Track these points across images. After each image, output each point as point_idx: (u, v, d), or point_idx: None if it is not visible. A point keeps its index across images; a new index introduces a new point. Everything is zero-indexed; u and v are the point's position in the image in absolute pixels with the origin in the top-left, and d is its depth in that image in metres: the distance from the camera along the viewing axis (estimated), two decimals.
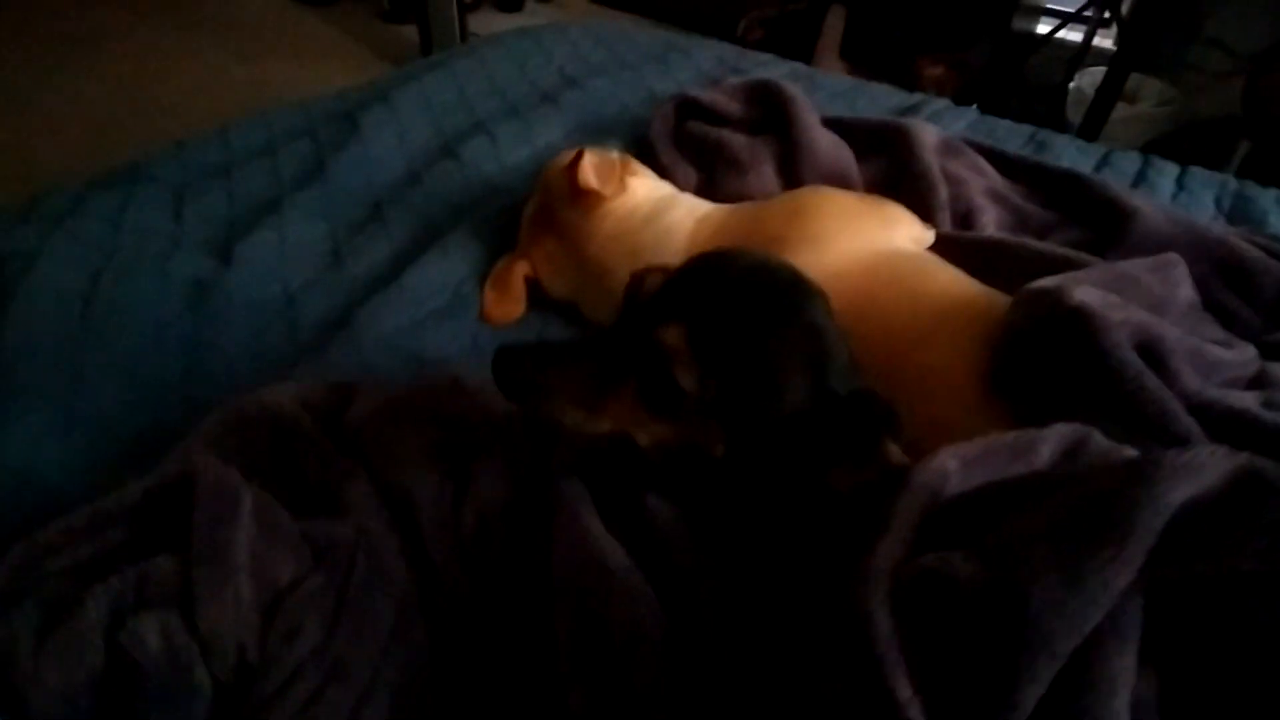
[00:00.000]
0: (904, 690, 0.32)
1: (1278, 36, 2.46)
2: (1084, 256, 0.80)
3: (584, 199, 0.82)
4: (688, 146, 1.08)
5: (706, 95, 1.10)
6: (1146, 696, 0.33)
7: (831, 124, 1.08)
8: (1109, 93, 2.67)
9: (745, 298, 0.49)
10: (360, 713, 0.44)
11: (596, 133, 1.18)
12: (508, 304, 0.86)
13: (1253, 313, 0.86)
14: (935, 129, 1.05)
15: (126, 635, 0.44)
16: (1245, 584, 0.33)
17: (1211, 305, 0.87)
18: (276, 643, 0.45)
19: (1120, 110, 2.79)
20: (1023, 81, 3.14)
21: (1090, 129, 2.67)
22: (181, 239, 0.88)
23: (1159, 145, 2.81)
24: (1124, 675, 0.32)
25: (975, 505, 0.42)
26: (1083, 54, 2.95)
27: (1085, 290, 0.57)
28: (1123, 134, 2.86)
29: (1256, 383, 0.68)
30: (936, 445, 0.60)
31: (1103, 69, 2.57)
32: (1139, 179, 1.21)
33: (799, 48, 3.19)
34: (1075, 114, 2.81)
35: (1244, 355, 0.67)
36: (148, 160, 1.07)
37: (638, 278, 0.55)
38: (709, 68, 1.44)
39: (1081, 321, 0.53)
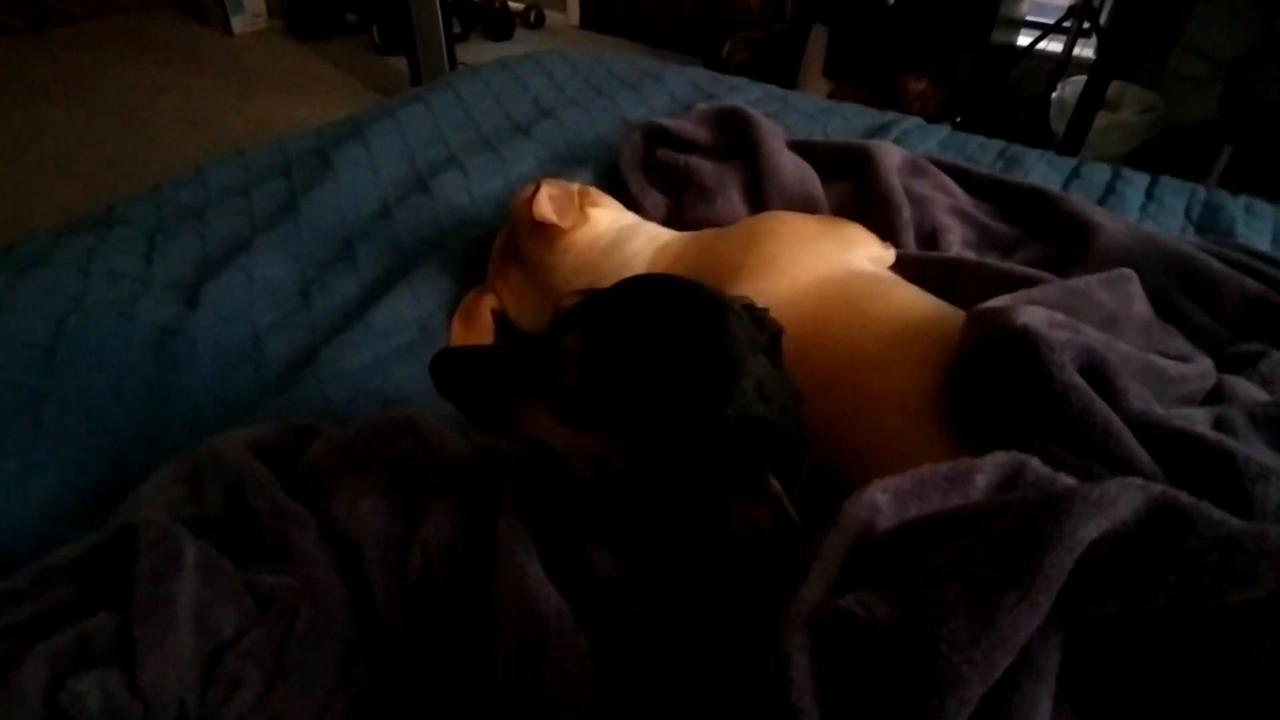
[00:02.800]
0: None
1: (1255, 41, 2.47)
2: (1042, 275, 0.80)
3: (545, 231, 0.83)
4: (657, 174, 1.09)
5: (674, 123, 1.12)
6: None
7: (798, 147, 1.09)
8: (1090, 102, 2.69)
9: (643, 316, 0.50)
10: None
11: (569, 162, 1.19)
12: (474, 337, 0.87)
13: (1216, 324, 0.86)
14: (899, 150, 1.05)
15: (66, 696, 0.44)
16: (1158, 621, 0.33)
17: (1175, 317, 0.87)
18: (218, 695, 0.45)
19: (1103, 119, 2.80)
20: (1006, 94, 3.17)
21: (1073, 138, 2.69)
22: (151, 282, 0.89)
23: (1142, 152, 2.82)
24: (1041, 715, 0.32)
25: (909, 539, 0.41)
26: (1064, 65, 2.98)
27: (1031, 311, 0.57)
28: (1106, 142, 2.88)
29: (1213, 397, 0.68)
30: (888, 469, 0.60)
31: (1084, 78, 2.59)
32: (1108, 191, 1.21)
33: (783, 67, 3.22)
34: (1059, 124, 2.83)
35: (1201, 368, 0.67)
36: (125, 203, 1.09)
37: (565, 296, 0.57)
38: (683, 93, 1.46)
39: (1027, 344, 0.53)
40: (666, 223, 1.04)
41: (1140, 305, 0.70)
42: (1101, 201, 1.19)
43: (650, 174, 1.09)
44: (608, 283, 0.80)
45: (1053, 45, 3.03)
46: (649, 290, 0.53)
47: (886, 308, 0.71)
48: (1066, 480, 0.44)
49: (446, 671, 0.48)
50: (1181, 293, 0.87)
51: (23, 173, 2.59)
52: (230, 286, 0.88)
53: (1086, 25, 2.86)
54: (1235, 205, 1.19)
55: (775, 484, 0.43)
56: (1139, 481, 0.36)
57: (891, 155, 1.02)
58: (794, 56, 3.18)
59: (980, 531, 0.35)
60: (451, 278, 0.93)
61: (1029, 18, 3.23)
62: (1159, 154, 2.81)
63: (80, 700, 0.44)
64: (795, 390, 0.53)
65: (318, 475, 0.58)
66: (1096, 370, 0.55)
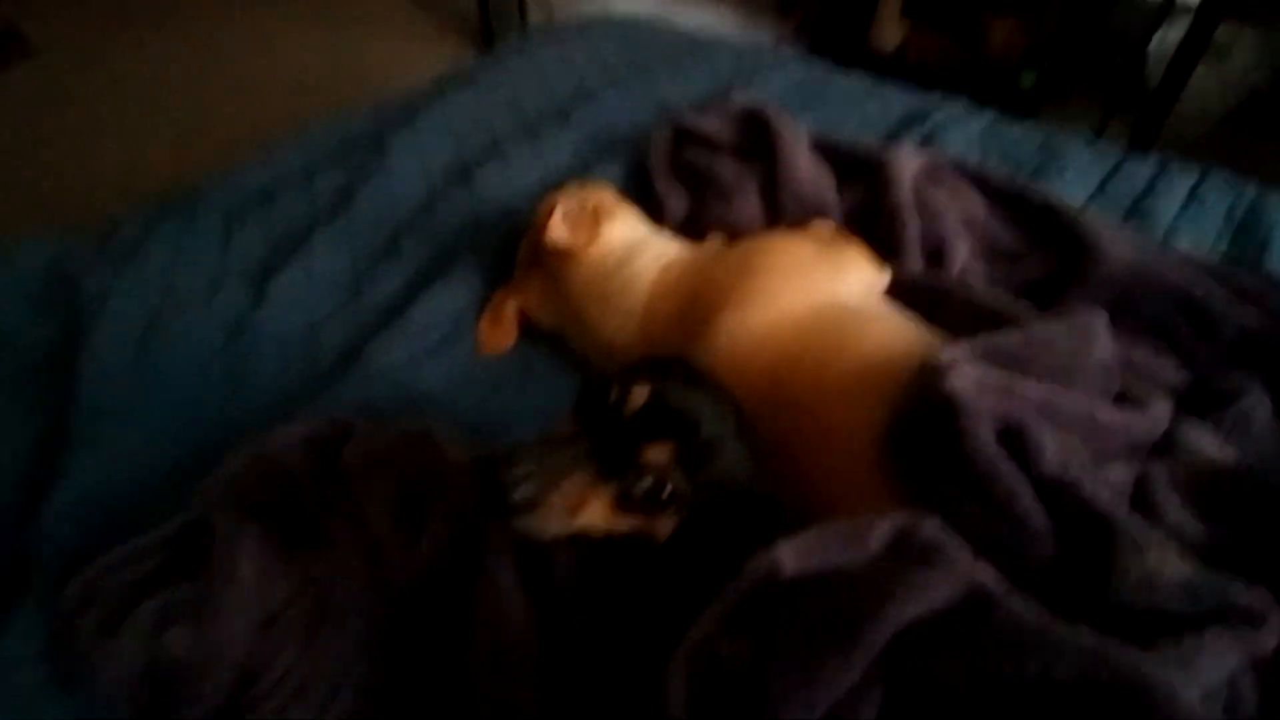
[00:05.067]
0: None
1: None
2: (1021, 312, 0.84)
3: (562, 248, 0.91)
4: (683, 172, 1.15)
5: (700, 124, 1.16)
6: None
7: (820, 147, 1.13)
8: (1192, 49, 2.50)
9: (711, 419, 0.60)
10: (332, 703, 0.58)
11: (604, 153, 1.25)
12: (500, 335, 0.97)
13: (1210, 352, 0.89)
14: (918, 156, 1.08)
15: (162, 643, 0.59)
16: (959, 690, 0.41)
17: (1173, 344, 0.90)
18: (266, 656, 0.59)
19: (1206, 73, 2.61)
20: (1103, 39, 2.96)
21: (1169, 90, 2.52)
22: (227, 271, 1.03)
23: (1252, 106, 2.62)
24: None
25: (803, 588, 0.50)
26: (1168, 7, 2.76)
27: (964, 374, 0.63)
28: (1208, 95, 2.68)
29: (1164, 444, 0.73)
30: (836, 503, 0.69)
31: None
32: (1148, 190, 1.20)
33: (860, 7, 3.09)
34: (1157, 73, 2.65)
35: (1152, 416, 0.71)
36: (206, 182, 1.23)
37: (615, 393, 0.60)
38: (726, 70, 1.48)
39: (949, 408, 0.60)
40: (688, 219, 1.11)
41: (1101, 351, 0.74)
42: (1139, 201, 1.18)
43: (677, 172, 1.15)
44: (614, 298, 0.89)
45: None
46: (691, 389, 0.62)
47: (859, 342, 0.77)
48: (948, 546, 0.52)
49: (444, 648, 0.61)
50: (1180, 319, 0.90)
51: (128, 115, 2.78)
52: (290, 281, 1.00)
53: None
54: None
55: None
56: (965, 568, 0.44)
57: (908, 164, 1.05)
58: (869, 4, 3.05)
59: (826, 601, 0.44)
60: (483, 275, 1.03)
61: None
62: (1272, 108, 2.60)
63: (171, 649, 0.59)
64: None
65: (353, 474, 0.70)
66: (1016, 433, 0.61)
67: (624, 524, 0.58)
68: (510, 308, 0.98)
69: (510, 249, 1.05)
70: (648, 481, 0.56)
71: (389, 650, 0.61)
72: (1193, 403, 0.82)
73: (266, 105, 2.92)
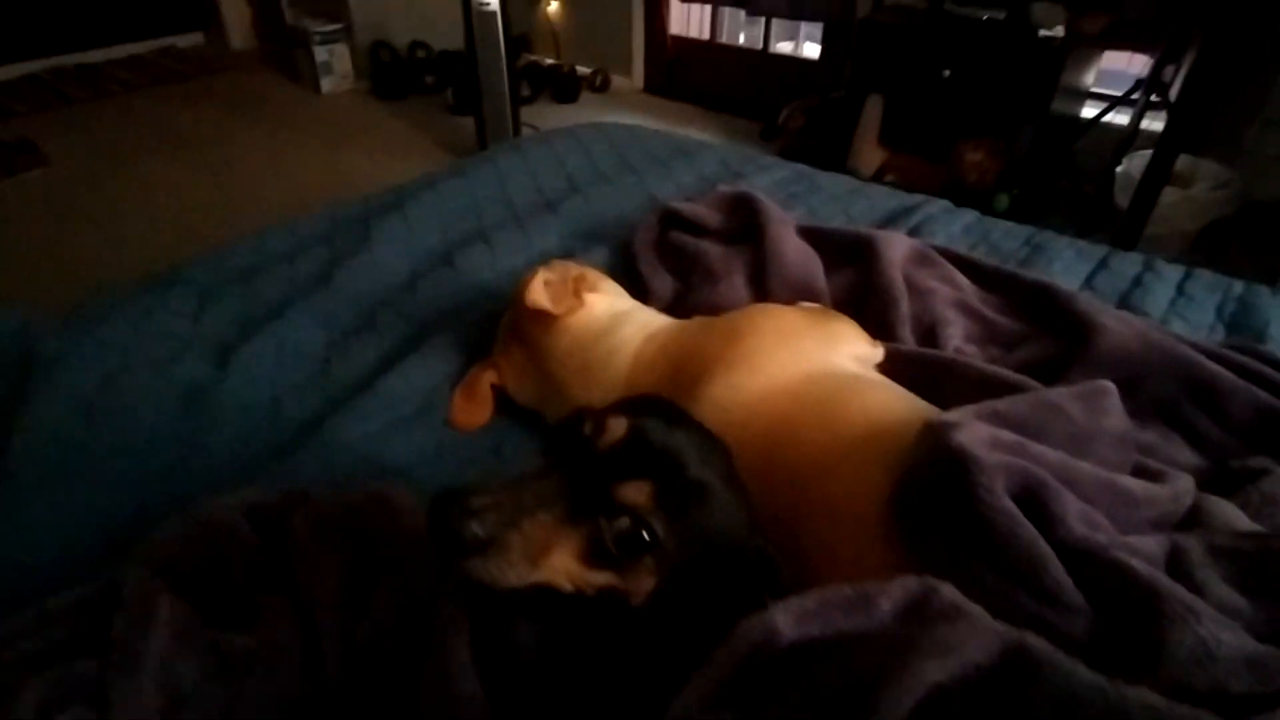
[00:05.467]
0: None
1: None
2: (1026, 381, 0.80)
3: (541, 315, 0.88)
4: (669, 255, 1.14)
5: (688, 207, 1.16)
6: None
7: (808, 234, 1.12)
8: (1156, 176, 2.63)
9: (697, 460, 0.53)
10: None
11: (590, 239, 1.25)
12: (474, 410, 0.92)
13: (1224, 434, 0.84)
14: (907, 240, 1.07)
15: None
16: None
17: (1181, 426, 0.86)
18: None
19: (1174, 194, 2.74)
20: (1071, 166, 3.12)
21: (1137, 214, 2.62)
22: (193, 343, 0.98)
23: (1214, 230, 2.72)
24: None
25: (806, 655, 0.43)
26: (1131, 137, 2.92)
27: (974, 429, 0.58)
28: (1175, 218, 2.79)
29: (1189, 520, 0.67)
30: (839, 574, 0.62)
31: (1151, 152, 2.53)
32: (1135, 284, 1.19)
33: (838, 135, 3.26)
34: (1124, 198, 2.76)
35: (1175, 489, 0.66)
36: (188, 263, 1.20)
37: (590, 426, 0.54)
38: (711, 171, 1.51)
39: (958, 465, 0.55)
40: (674, 303, 1.08)
41: (1116, 419, 0.69)
42: (1127, 295, 1.17)
43: (662, 255, 1.14)
44: (596, 368, 0.85)
45: (1121, 118, 2.98)
46: (673, 430, 0.54)
47: (857, 410, 0.72)
48: (971, 610, 0.45)
49: None
50: (1189, 400, 0.86)
51: (130, 221, 2.83)
52: (261, 351, 0.96)
53: (1156, 98, 2.81)
54: (1273, 304, 1.15)
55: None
56: (999, 627, 0.37)
57: (896, 247, 1.04)
58: (849, 124, 3.22)
59: (833, 668, 0.37)
60: (461, 351, 0.99)
61: (1096, 89, 3.20)
62: (1233, 232, 2.71)
63: None
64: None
65: (296, 543, 0.63)
66: (1034, 494, 0.55)
67: (595, 579, 0.49)
68: (486, 382, 0.93)
69: (490, 327, 1.01)
70: (623, 524, 0.48)
71: None
72: (1211, 487, 0.76)
73: (266, 218, 2.97)
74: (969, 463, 0.54)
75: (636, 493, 0.49)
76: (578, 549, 0.49)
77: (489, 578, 0.46)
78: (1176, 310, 1.14)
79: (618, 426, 0.52)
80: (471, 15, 3.04)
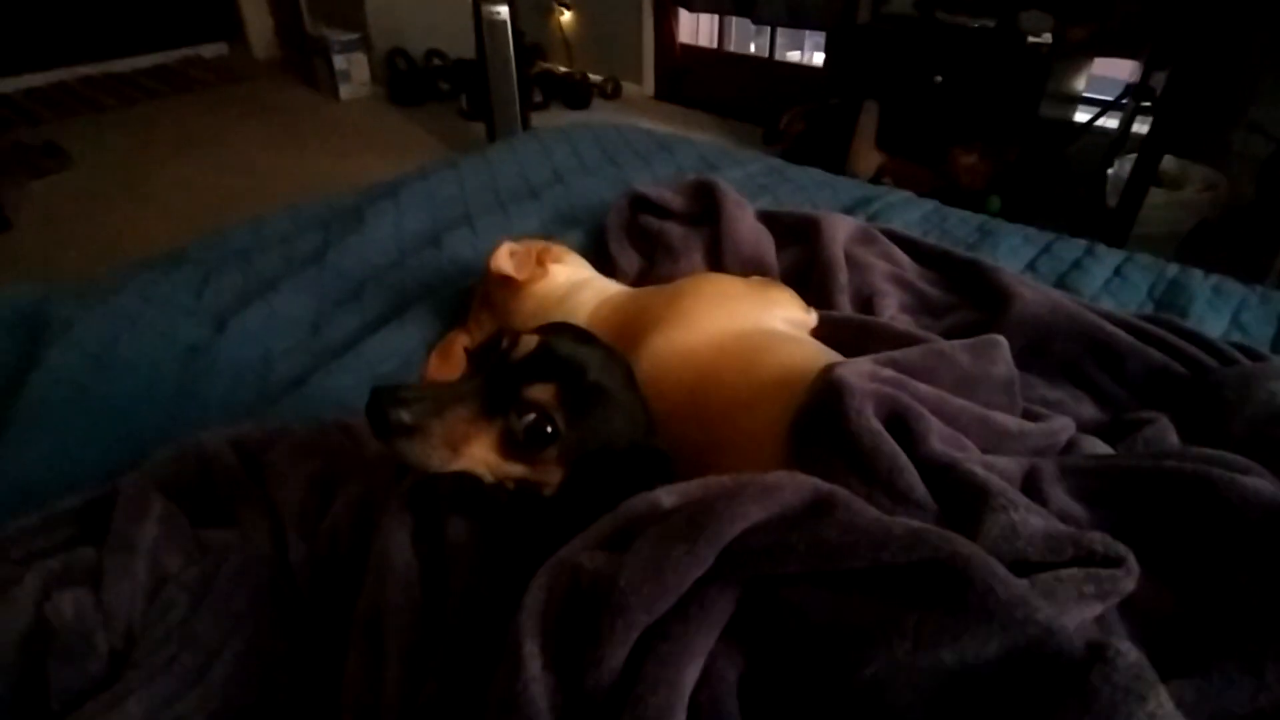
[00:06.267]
0: (533, 663, 0.43)
1: None
2: (931, 337, 0.88)
3: (508, 281, 0.97)
4: (637, 236, 1.23)
5: (655, 191, 1.26)
6: (725, 668, 0.42)
7: (763, 217, 1.21)
8: (1141, 177, 2.70)
9: (589, 364, 0.62)
10: (206, 673, 0.57)
11: (568, 223, 1.35)
12: (448, 369, 1.01)
13: (1121, 390, 0.92)
14: (851, 221, 1.16)
15: (49, 605, 0.59)
16: (798, 585, 0.42)
17: (1084, 383, 0.94)
18: (155, 614, 0.59)
19: (1162, 196, 2.80)
20: (1063, 169, 3.18)
21: (1124, 214, 2.68)
22: (194, 311, 1.08)
23: (1202, 230, 2.77)
24: (700, 643, 0.41)
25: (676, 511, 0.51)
26: (1121, 141, 2.98)
27: (854, 366, 0.66)
28: (1164, 219, 2.85)
29: (1065, 452, 0.74)
30: None
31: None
32: (1074, 266, 1.27)
33: (836, 139, 3.35)
34: (1115, 199, 2.82)
35: (1049, 427, 0.74)
36: (196, 245, 1.31)
37: (507, 340, 0.63)
38: (689, 164, 1.60)
39: (835, 391, 0.63)
40: (638, 278, 1.17)
41: (1003, 368, 0.77)
42: (1065, 276, 1.24)
43: (631, 236, 1.23)
44: None
45: (1114, 122, 3.04)
46: (579, 344, 0.64)
47: (774, 360, 0.81)
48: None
49: (336, 613, 0.61)
50: (1091, 360, 0.94)
51: (150, 219, 2.98)
52: (255, 317, 1.06)
53: (1146, 103, 2.86)
54: (1203, 285, 1.22)
55: None
56: (814, 481, 0.45)
57: (840, 226, 1.13)
58: (846, 129, 3.31)
59: (685, 513, 0.46)
60: (440, 319, 1.09)
61: (1089, 94, 3.26)
62: (1220, 232, 2.76)
63: (58, 609, 0.59)
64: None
65: (272, 463, 0.72)
66: (901, 417, 0.63)
67: (510, 470, 0.58)
68: (460, 345, 1.02)
69: (467, 299, 1.11)
70: (530, 418, 0.57)
71: (278, 624, 0.61)
72: (1107, 436, 0.84)
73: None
74: (844, 390, 0.63)
75: (542, 392, 0.58)
76: (493, 441, 0.57)
77: (414, 458, 0.55)
78: (1110, 290, 1.21)
79: (530, 341, 0.61)
80: (482, 24, 3.17)
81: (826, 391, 0.64)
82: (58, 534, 0.66)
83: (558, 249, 1.03)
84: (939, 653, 0.37)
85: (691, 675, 0.41)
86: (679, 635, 0.42)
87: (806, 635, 0.41)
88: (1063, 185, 3.19)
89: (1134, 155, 2.73)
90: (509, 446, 0.58)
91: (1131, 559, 0.49)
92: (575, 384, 0.59)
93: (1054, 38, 2.83)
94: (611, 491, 0.57)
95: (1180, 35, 2.67)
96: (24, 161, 3.32)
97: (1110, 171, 3.00)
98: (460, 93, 4.14)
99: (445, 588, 0.56)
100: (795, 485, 0.45)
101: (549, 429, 0.57)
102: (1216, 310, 1.16)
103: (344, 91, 4.25)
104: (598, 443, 0.60)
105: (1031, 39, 2.82)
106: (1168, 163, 2.80)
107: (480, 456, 0.57)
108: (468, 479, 0.58)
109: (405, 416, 0.53)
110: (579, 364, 0.61)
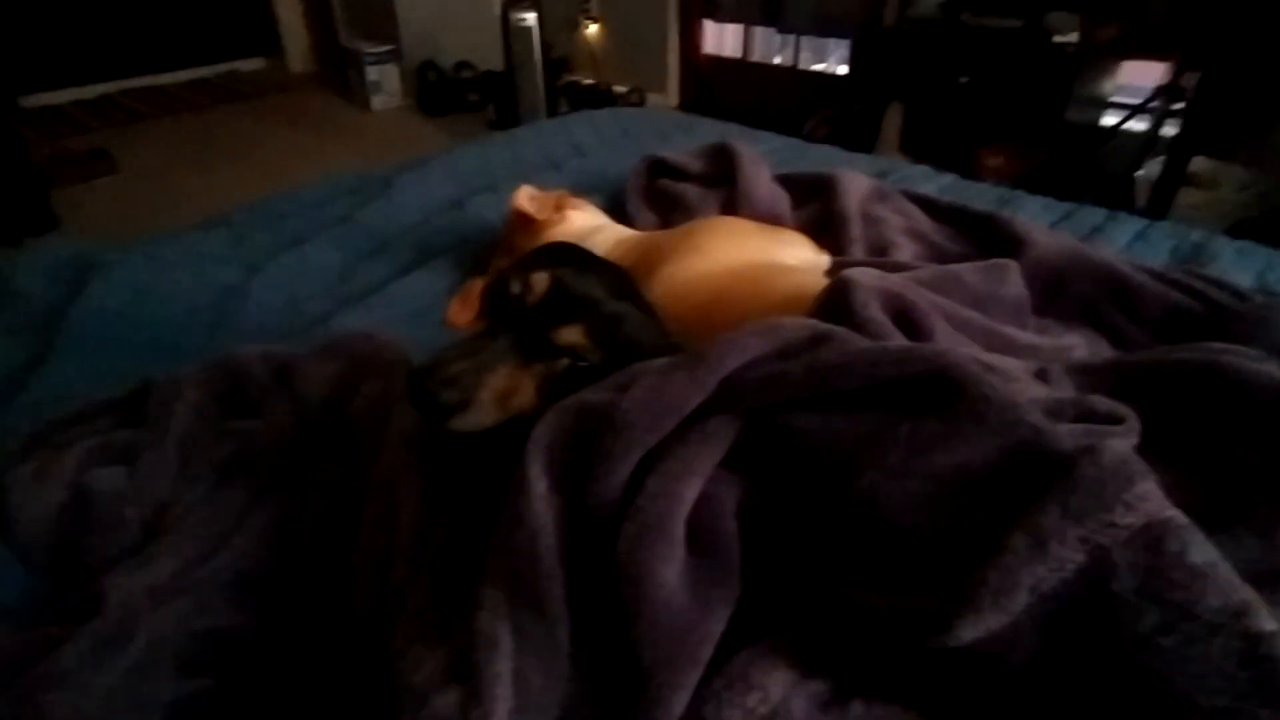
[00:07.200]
0: (539, 484, 0.44)
1: None
2: (939, 268, 0.89)
3: (528, 225, 1.00)
4: (655, 198, 1.26)
5: (673, 156, 1.28)
6: (725, 494, 0.43)
7: (780, 179, 1.23)
8: (1170, 179, 2.68)
9: (611, 295, 0.63)
10: (232, 537, 0.59)
11: (588, 190, 1.37)
12: (466, 311, 1.03)
13: (1140, 331, 0.91)
14: (868, 179, 1.17)
15: (85, 478, 0.62)
16: (795, 412, 0.43)
17: (1102, 326, 0.93)
18: (182, 488, 0.62)
19: (1197, 196, 2.76)
20: (1095, 171, 3.16)
21: (1153, 216, 2.65)
22: (229, 260, 1.13)
23: (1238, 230, 2.73)
24: (700, 464, 0.43)
25: None
26: (1151, 143, 2.95)
27: (862, 270, 0.67)
28: (1198, 219, 2.81)
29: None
30: None
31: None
32: (1096, 229, 1.27)
33: (861, 142, 3.37)
34: (1144, 201, 2.79)
35: (1057, 343, 0.74)
36: (233, 211, 1.36)
37: (516, 285, 0.63)
38: (709, 140, 1.63)
39: (843, 288, 0.64)
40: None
41: (1013, 288, 0.78)
42: (1086, 238, 1.24)
43: (649, 198, 1.26)
44: None
45: (1143, 126, 3.02)
46: (587, 268, 0.66)
47: (784, 285, 0.82)
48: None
49: (354, 489, 0.62)
50: (1108, 301, 0.93)
51: (189, 219, 3.07)
52: (285, 264, 1.10)
53: (1176, 105, 2.84)
54: (1227, 247, 1.21)
55: None
56: (812, 322, 0.47)
57: (856, 182, 1.14)
58: (872, 131, 3.33)
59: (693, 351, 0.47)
60: (462, 269, 1.12)
61: (1121, 100, 3.24)
62: (1256, 231, 2.72)
63: (94, 483, 0.62)
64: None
65: (298, 365, 0.75)
66: (906, 314, 0.64)
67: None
68: (478, 288, 1.05)
69: (488, 254, 1.14)
70: (566, 361, 0.58)
71: (299, 497, 0.63)
72: None
73: None
74: (850, 286, 0.64)
75: (571, 334, 0.59)
76: (534, 387, 0.58)
77: (468, 428, 0.55)
78: (1132, 251, 1.20)
79: (540, 281, 0.61)
80: (510, 31, 3.26)
81: (835, 288, 0.65)
82: (97, 423, 0.69)
83: (576, 199, 1.06)
84: (932, 457, 0.38)
85: (691, 491, 0.42)
86: (680, 455, 0.43)
87: (803, 456, 0.42)
88: (1091, 188, 3.16)
89: (1163, 158, 2.71)
90: (550, 388, 0.58)
91: (1134, 419, 0.49)
92: (598, 317, 0.61)
93: (1081, 37, 2.83)
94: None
95: (1213, 35, 2.65)
96: (73, 165, 3.46)
97: (1139, 174, 2.97)
98: (488, 103, 4.23)
99: (457, 463, 0.57)
100: (794, 324, 0.46)
101: (585, 365, 0.58)
102: (1241, 269, 1.15)
103: (376, 102, 4.36)
104: (626, 361, 0.61)
105: (1058, 39, 2.82)
106: (1202, 164, 2.77)
107: (525, 404, 0.58)
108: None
109: (454, 396, 0.54)
110: (595, 296, 0.62)
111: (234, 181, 3.43)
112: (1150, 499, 0.34)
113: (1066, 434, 0.38)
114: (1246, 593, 0.33)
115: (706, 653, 0.39)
